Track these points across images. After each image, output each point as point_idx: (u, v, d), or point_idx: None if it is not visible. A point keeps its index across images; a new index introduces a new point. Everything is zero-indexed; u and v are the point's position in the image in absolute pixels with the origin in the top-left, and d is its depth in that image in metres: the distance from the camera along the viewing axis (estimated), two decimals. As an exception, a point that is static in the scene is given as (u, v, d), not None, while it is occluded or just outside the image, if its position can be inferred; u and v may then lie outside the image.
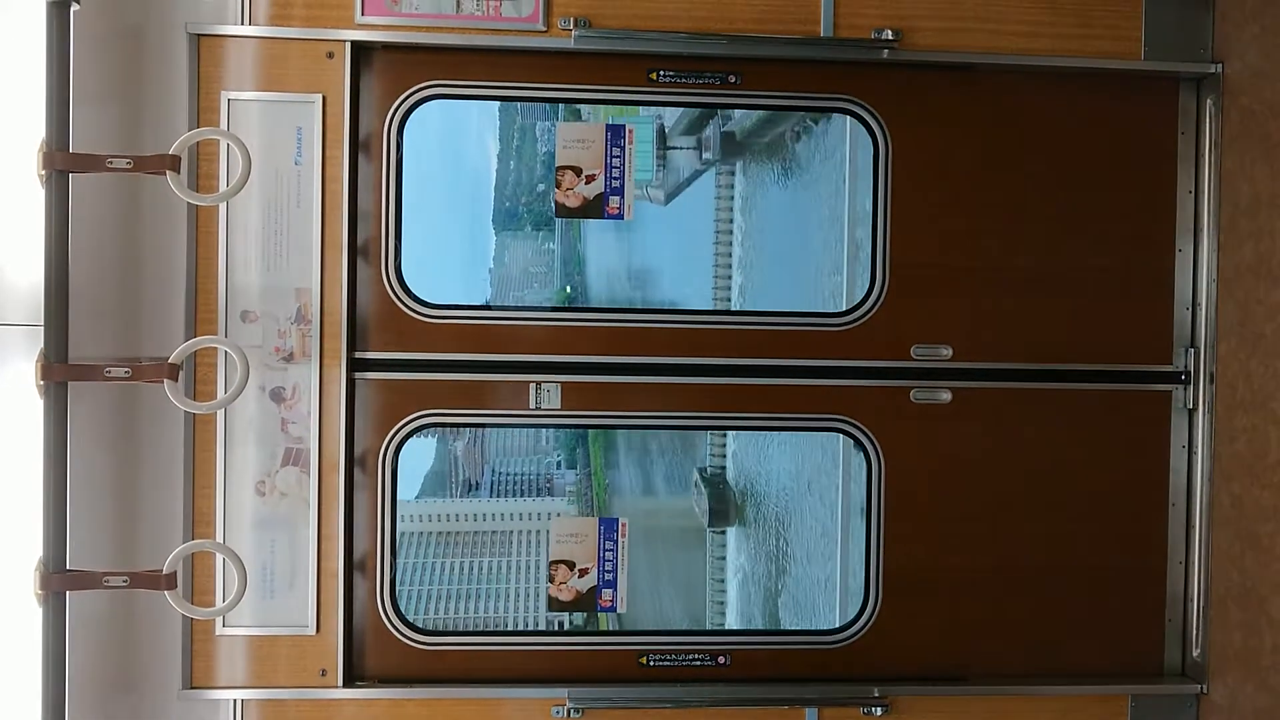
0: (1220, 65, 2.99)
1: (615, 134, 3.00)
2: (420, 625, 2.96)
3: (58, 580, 2.34)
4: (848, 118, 3.03)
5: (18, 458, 2.32)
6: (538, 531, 7.89)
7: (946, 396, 3.02)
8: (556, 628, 3.75)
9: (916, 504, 3.02)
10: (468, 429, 2.93)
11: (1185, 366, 3.07)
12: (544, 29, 2.87)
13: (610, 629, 3.41)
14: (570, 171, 3.01)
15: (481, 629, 3.69)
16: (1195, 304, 3.06)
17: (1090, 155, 3.05)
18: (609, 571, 3.05)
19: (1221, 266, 3.00)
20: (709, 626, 5.90)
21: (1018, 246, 3.04)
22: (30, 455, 2.32)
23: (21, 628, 2.31)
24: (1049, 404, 3.05)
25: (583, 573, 3.04)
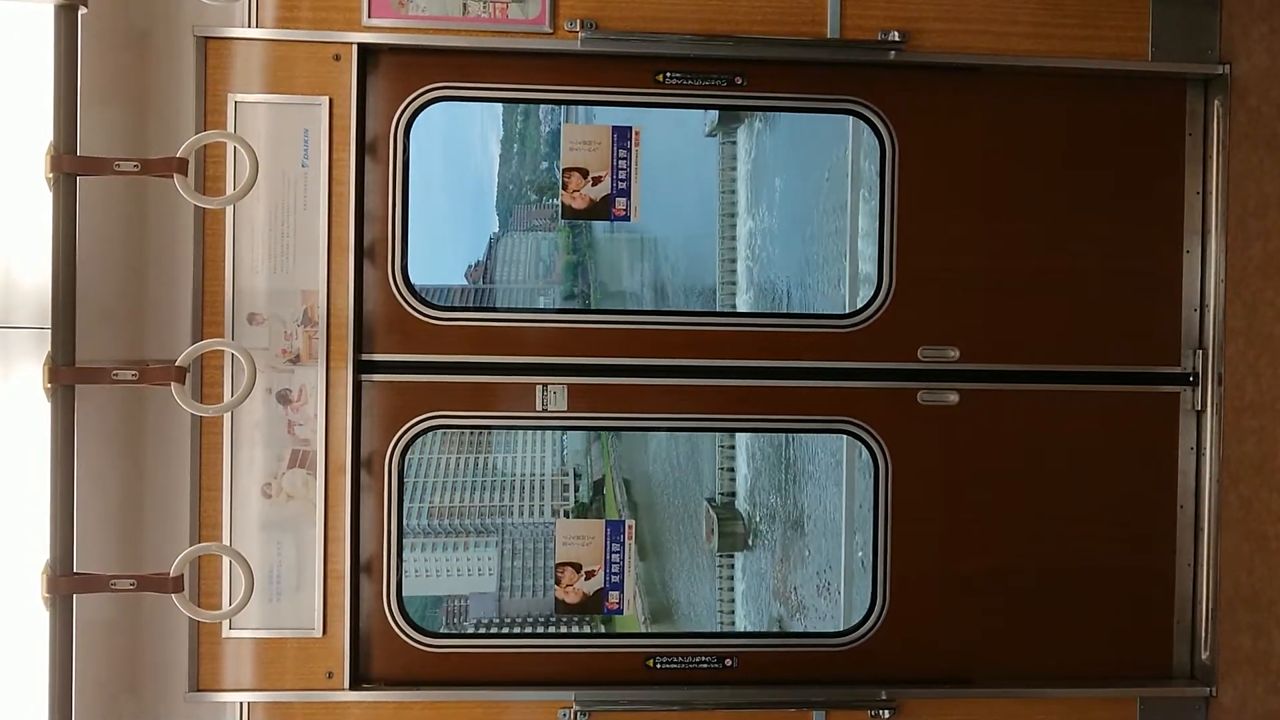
0: (1228, 66, 2.98)
1: (621, 135, 3.00)
2: (428, 629, 2.96)
3: (65, 583, 2.34)
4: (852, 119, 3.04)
5: (25, 461, 2.32)
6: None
7: (954, 398, 3.01)
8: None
9: (924, 506, 3.01)
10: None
11: (1193, 368, 3.06)
12: (550, 31, 2.87)
13: (617, 631, 3.40)
14: (576, 173, 3.01)
15: (487, 632, 3.69)
16: (1203, 305, 3.05)
17: (1097, 157, 3.05)
18: (615, 574, 3.04)
19: (1230, 267, 2.99)
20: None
21: (1025, 248, 3.03)
22: (38, 458, 2.32)
23: (29, 630, 2.31)
24: (1056, 406, 3.04)
25: (589, 575, 3.04)
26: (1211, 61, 3.00)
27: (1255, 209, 2.91)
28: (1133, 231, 3.06)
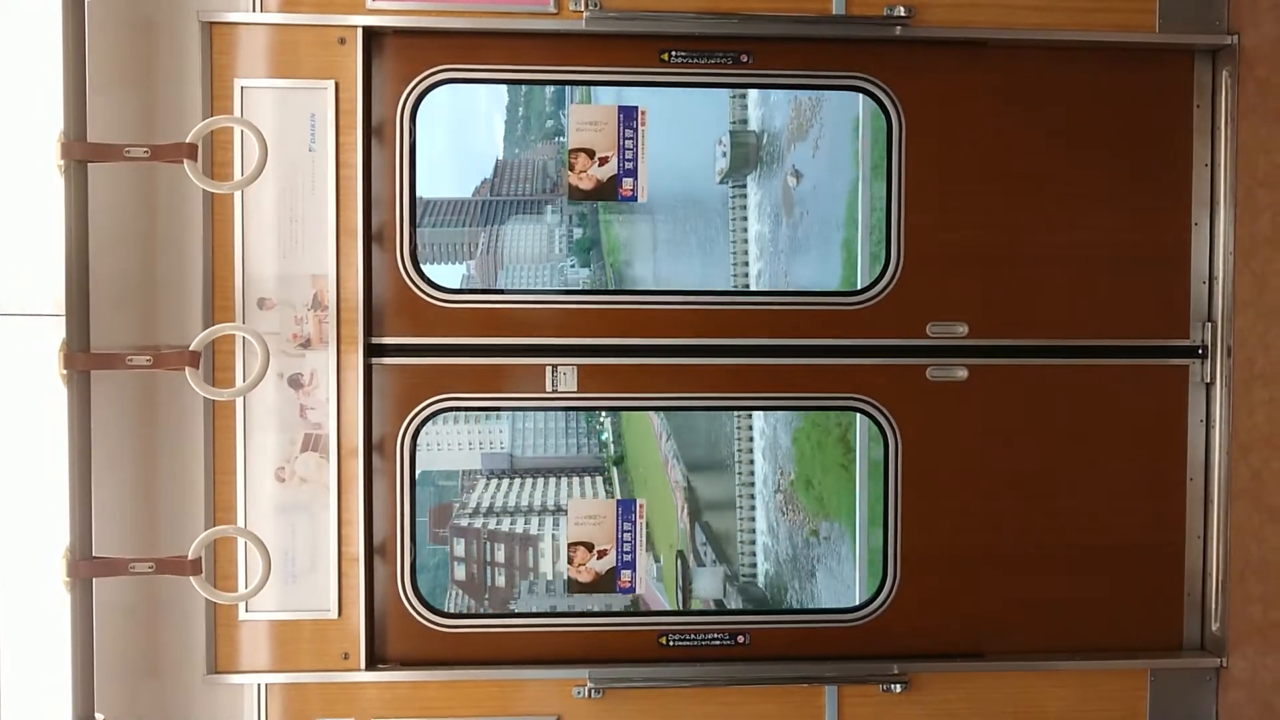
0: (1236, 37, 2.97)
1: (628, 116, 3.00)
2: (443, 609, 2.98)
3: (85, 567, 2.36)
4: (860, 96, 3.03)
5: (43, 447, 2.34)
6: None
7: (963, 374, 3.01)
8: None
9: (934, 482, 3.02)
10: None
11: (1202, 340, 3.06)
12: (555, 11, 2.86)
13: (631, 609, 3.41)
14: (583, 154, 3.01)
15: (502, 611, 3.69)
16: (1212, 277, 3.04)
17: (1105, 129, 3.04)
18: (627, 553, 3.06)
19: (1238, 239, 2.99)
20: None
21: (1033, 222, 3.02)
22: (55, 444, 2.34)
23: (50, 614, 2.34)
24: (1065, 380, 3.04)
25: (601, 554, 3.06)
26: (1220, 32, 2.99)
27: (1264, 180, 2.90)
28: (1141, 204, 3.05)
